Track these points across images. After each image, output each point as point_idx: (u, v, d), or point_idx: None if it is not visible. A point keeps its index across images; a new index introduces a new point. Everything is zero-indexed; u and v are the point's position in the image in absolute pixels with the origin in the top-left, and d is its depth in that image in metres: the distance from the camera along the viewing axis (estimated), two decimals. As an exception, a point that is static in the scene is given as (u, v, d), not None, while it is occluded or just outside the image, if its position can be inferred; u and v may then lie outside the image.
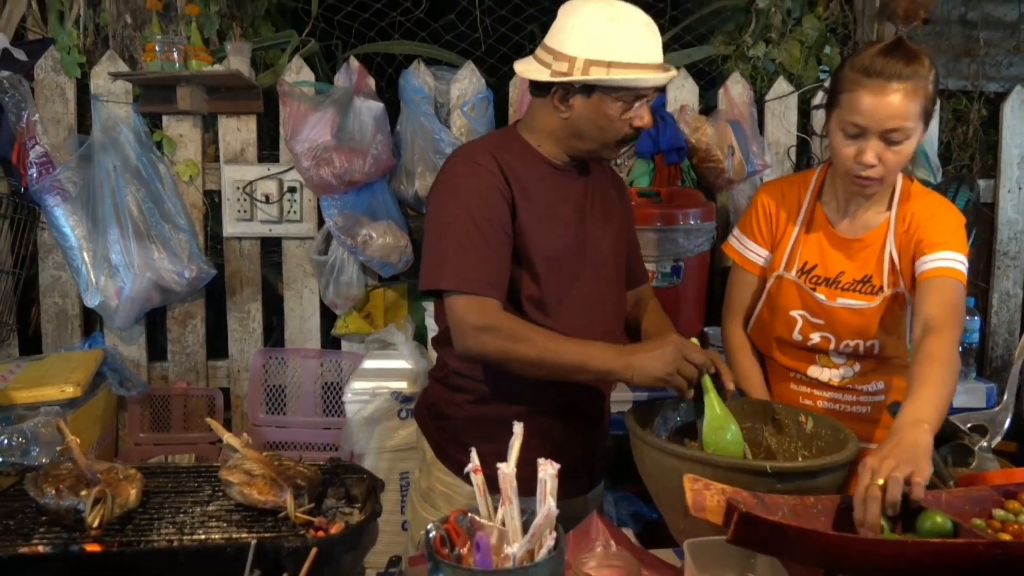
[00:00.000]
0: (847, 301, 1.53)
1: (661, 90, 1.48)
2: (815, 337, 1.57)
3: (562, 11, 1.41)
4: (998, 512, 1.11)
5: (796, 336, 1.58)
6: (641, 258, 1.73)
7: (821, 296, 1.55)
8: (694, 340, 1.41)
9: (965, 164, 2.88)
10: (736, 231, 1.68)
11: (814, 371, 1.61)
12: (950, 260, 1.44)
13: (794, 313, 1.57)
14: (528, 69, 1.41)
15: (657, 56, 1.37)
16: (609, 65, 1.34)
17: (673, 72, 1.40)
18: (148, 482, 1.20)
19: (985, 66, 2.90)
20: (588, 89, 1.36)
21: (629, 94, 1.36)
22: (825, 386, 1.61)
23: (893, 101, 1.34)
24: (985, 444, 1.46)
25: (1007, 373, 2.89)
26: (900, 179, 1.54)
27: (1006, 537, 1.05)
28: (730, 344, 1.70)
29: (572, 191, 1.50)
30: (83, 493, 1.07)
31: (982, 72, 2.90)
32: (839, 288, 1.54)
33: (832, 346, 1.57)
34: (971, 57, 2.86)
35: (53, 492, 1.08)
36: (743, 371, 1.65)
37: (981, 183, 2.82)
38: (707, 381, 1.35)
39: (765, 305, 1.62)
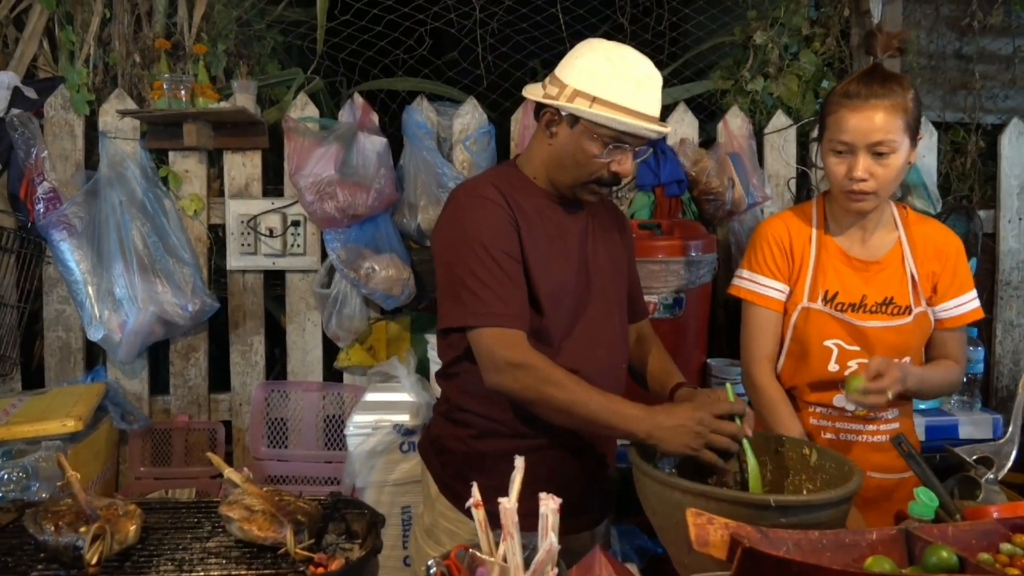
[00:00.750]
0: (878, 323, 1.55)
1: (651, 146, 1.46)
2: (853, 364, 1.57)
3: (577, 46, 1.45)
4: (1005, 546, 1.09)
5: (832, 367, 1.57)
6: (642, 293, 1.73)
7: (853, 320, 1.55)
8: (728, 388, 1.37)
9: (964, 195, 2.90)
10: (744, 272, 1.64)
11: (839, 400, 1.60)
12: (969, 303, 1.61)
13: (828, 343, 1.56)
14: (530, 89, 1.46)
15: (649, 108, 1.37)
16: (593, 100, 1.35)
17: (663, 128, 1.39)
18: (148, 518, 1.20)
19: (981, 99, 2.94)
20: (573, 120, 1.39)
21: (608, 135, 1.37)
22: (850, 417, 1.61)
23: (874, 116, 1.43)
24: (992, 476, 1.45)
25: (1012, 403, 2.88)
26: (894, 206, 1.61)
27: (1014, 572, 1.03)
28: (768, 396, 1.61)
29: (573, 225, 1.51)
30: (82, 530, 1.06)
31: (979, 104, 2.93)
32: (866, 311, 1.56)
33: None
34: (968, 90, 2.90)
35: (52, 529, 1.07)
36: (786, 426, 1.56)
37: (981, 213, 2.84)
38: (746, 444, 1.31)
39: (793, 341, 1.59)
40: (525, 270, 1.41)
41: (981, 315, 1.64)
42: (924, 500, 1.22)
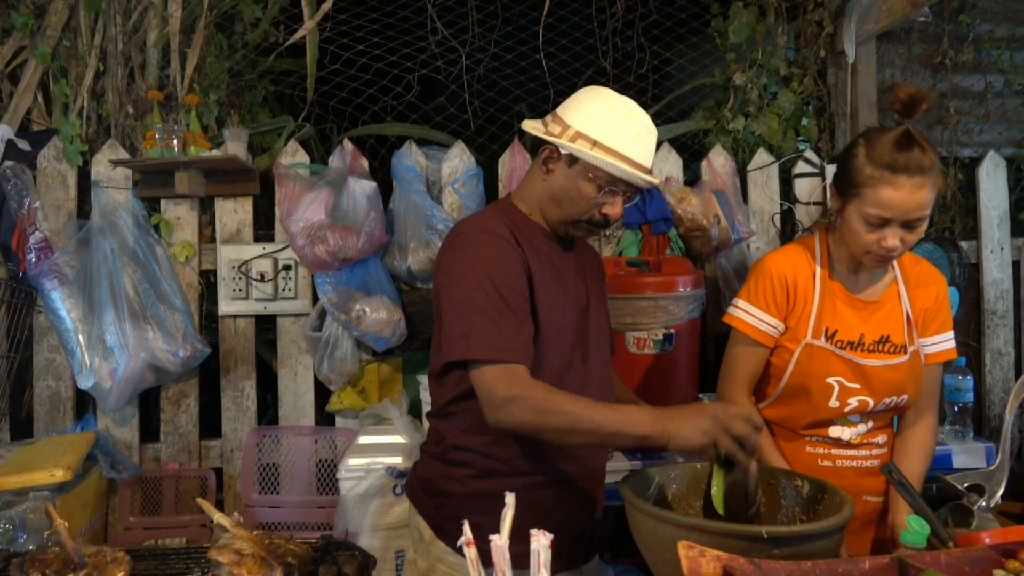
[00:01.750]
0: (877, 361, 1.57)
1: (639, 193, 1.50)
2: (853, 402, 1.59)
3: (582, 90, 1.50)
4: (998, 572, 1.09)
5: (833, 403, 1.58)
6: (611, 330, 1.75)
7: (854, 358, 1.57)
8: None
9: (947, 227, 2.95)
10: (741, 302, 1.66)
11: (835, 431, 1.62)
12: (949, 341, 1.65)
13: (831, 380, 1.58)
14: (530, 124, 1.50)
15: (644, 159, 1.42)
16: (595, 144, 1.40)
17: (654, 180, 1.45)
18: (136, 565, 1.18)
19: (957, 133, 3.02)
20: (572, 160, 1.43)
21: (604, 179, 1.41)
22: (845, 444, 1.63)
23: (917, 195, 1.42)
24: (984, 504, 1.45)
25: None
26: None
27: (1007, 598, 1.03)
28: None
29: (569, 263, 1.54)
30: (69, 577, 1.05)
31: (955, 139, 3.01)
32: (864, 350, 1.58)
33: (870, 407, 1.59)
34: (943, 125, 2.98)
35: (39, 577, 1.06)
36: (765, 451, 1.59)
37: (964, 244, 2.88)
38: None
39: (794, 376, 1.60)
40: (532, 307, 1.42)
41: (955, 355, 1.69)
42: (916, 528, 1.22)
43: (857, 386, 1.57)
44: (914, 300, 1.63)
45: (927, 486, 1.67)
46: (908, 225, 1.45)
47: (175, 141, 2.42)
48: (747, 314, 1.64)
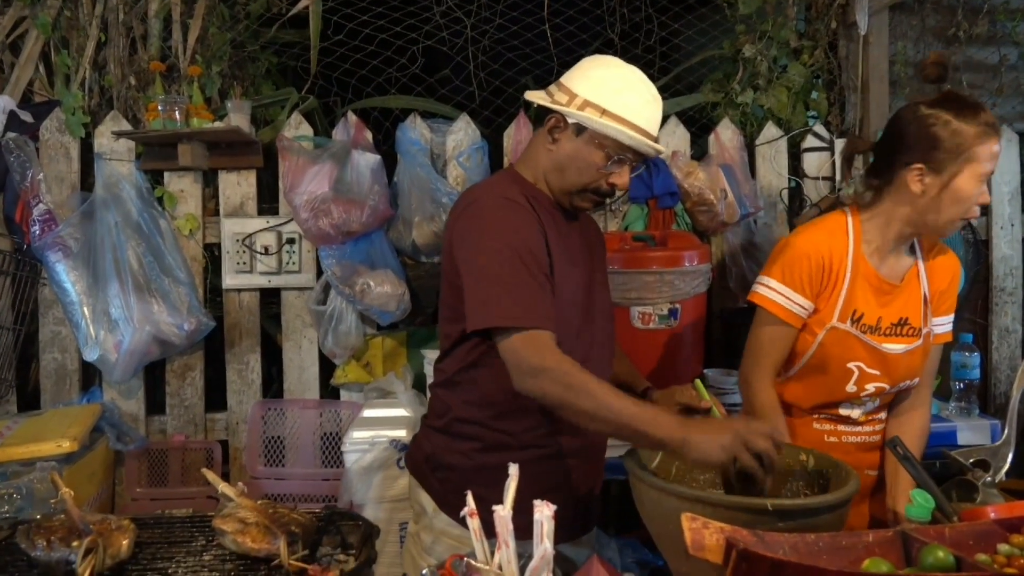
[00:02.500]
0: (893, 346, 1.56)
1: (644, 163, 1.48)
2: (870, 387, 1.57)
3: (586, 59, 1.48)
4: (1002, 547, 1.09)
5: (850, 388, 1.57)
6: (612, 304, 1.73)
7: (874, 343, 1.55)
8: (697, 385, 1.41)
9: (956, 203, 2.91)
10: (773, 282, 1.57)
11: (845, 409, 1.61)
12: (949, 324, 1.65)
13: (851, 365, 1.55)
14: (534, 94, 1.48)
15: (652, 127, 1.41)
16: (604, 112, 1.38)
17: (661, 148, 1.43)
18: (141, 533, 1.19)
19: (970, 107, 2.96)
20: (579, 129, 1.41)
21: (613, 147, 1.39)
22: (852, 422, 1.62)
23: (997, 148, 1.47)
24: (989, 479, 1.45)
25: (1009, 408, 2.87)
26: None
27: (1011, 572, 1.02)
28: (763, 401, 1.60)
29: (574, 234, 1.53)
30: (74, 544, 1.05)
31: (967, 113, 2.96)
32: (881, 334, 1.56)
33: (885, 392, 1.59)
34: (956, 99, 2.93)
35: (44, 544, 1.06)
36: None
37: (973, 220, 2.85)
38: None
39: (814, 358, 1.57)
40: (550, 275, 1.41)
41: (950, 338, 1.68)
42: (920, 502, 1.22)
43: (877, 372, 1.56)
44: (932, 281, 1.61)
45: (931, 462, 1.67)
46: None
47: (177, 113, 2.41)
48: (779, 295, 1.56)
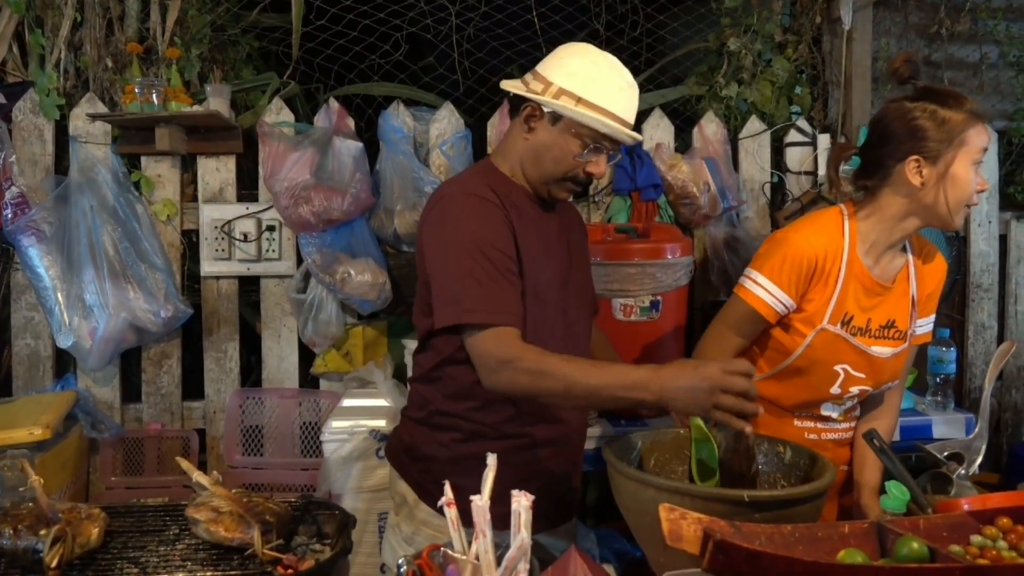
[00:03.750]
0: (880, 349, 1.55)
1: (621, 151, 1.47)
2: (854, 390, 1.58)
3: (561, 47, 1.47)
4: (975, 538, 1.10)
5: (835, 390, 1.57)
6: (594, 290, 1.73)
7: (863, 346, 1.54)
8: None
9: (935, 199, 2.94)
10: (760, 277, 1.54)
11: (826, 409, 1.62)
12: (930, 324, 1.67)
13: (838, 368, 1.55)
14: (510, 83, 1.47)
15: (628, 115, 1.40)
16: (579, 100, 1.37)
17: (639, 136, 1.42)
18: (112, 522, 1.17)
19: (950, 105, 2.99)
20: (555, 118, 1.40)
21: (589, 136, 1.39)
22: (832, 420, 1.63)
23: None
24: (963, 472, 1.46)
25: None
26: None
27: (984, 563, 1.04)
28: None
29: (552, 224, 1.52)
30: (42, 532, 1.03)
31: (948, 110, 2.98)
32: (870, 336, 1.55)
33: (868, 394, 1.60)
34: (936, 96, 2.95)
35: (11, 532, 1.04)
36: None
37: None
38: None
39: (802, 359, 1.55)
40: (518, 269, 1.40)
41: (930, 339, 1.70)
42: (896, 494, 1.23)
43: (862, 375, 1.55)
44: (921, 284, 1.61)
45: (906, 455, 1.69)
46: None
47: (155, 96, 2.36)
48: (764, 290, 1.53)
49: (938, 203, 1.47)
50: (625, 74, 1.42)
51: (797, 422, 1.63)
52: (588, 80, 1.38)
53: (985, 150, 1.46)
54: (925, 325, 1.65)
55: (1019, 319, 2.99)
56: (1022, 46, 2.96)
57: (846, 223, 1.54)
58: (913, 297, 1.59)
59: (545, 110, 1.40)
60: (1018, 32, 2.98)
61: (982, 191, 1.48)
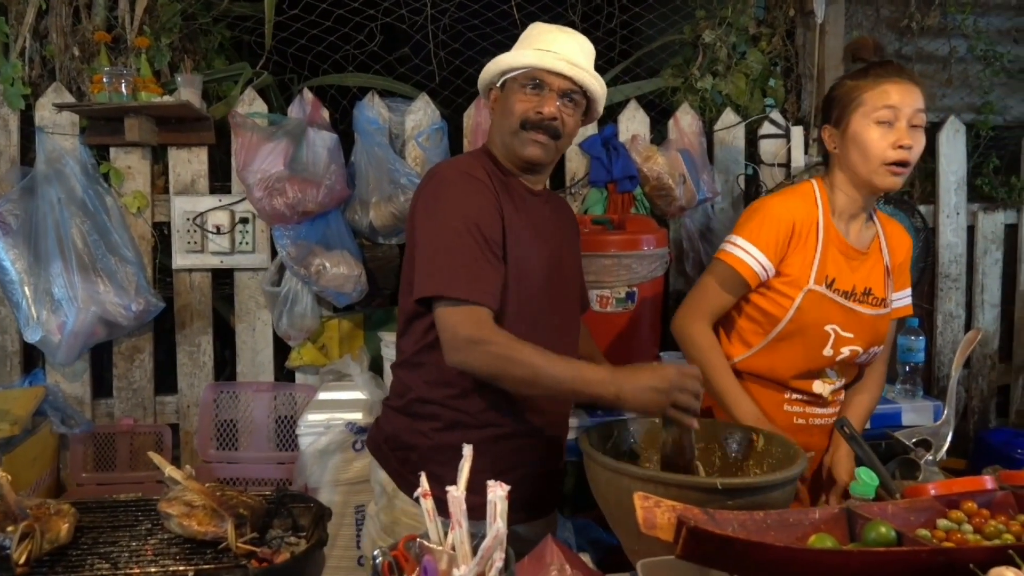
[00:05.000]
0: (869, 310, 1.60)
1: (575, 91, 1.46)
2: (845, 351, 1.60)
3: None
4: (942, 522, 1.12)
5: (827, 351, 1.58)
6: (585, 285, 1.74)
7: (849, 305, 1.58)
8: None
9: (906, 191, 2.99)
10: (739, 239, 1.58)
11: (818, 386, 1.64)
12: (908, 298, 1.71)
13: (828, 327, 1.57)
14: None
15: (564, 51, 1.43)
16: (506, 55, 1.46)
17: (575, 62, 1.42)
18: (83, 518, 1.15)
19: (920, 97, 3.03)
20: (503, 84, 1.48)
21: (526, 77, 1.43)
22: (821, 403, 1.65)
23: (915, 90, 1.50)
24: (931, 458, 1.49)
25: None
26: None
27: (950, 546, 1.06)
28: (701, 342, 1.61)
29: (544, 214, 1.53)
30: (9, 529, 1.01)
31: (917, 103, 3.03)
32: (855, 300, 1.59)
33: (858, 357, 1.62)
34: (907, 89, 2.99)
35: (-23, 529, 1.02)
36: (720, 370, 1.58)
37: (922, 208, 2.93)
38: None
39: (793, 322, 1.57)
40: (504, 255, 1.41)
41: (912, 312, 1.74)
42: (865, 479, 1.25)
43: (851, 335, 1.59)
44: (892, 253, 1.67)
45: (876, 442, 1.72)
46: (913, 126, 1.49)
47: (124, 85, 2.31)
48: (743, 251, 1.57)
49: (854, 165, 1.55)
50: (566, 29, 1.48)
51: (787, 406, 1.65)
52: (523, 38, 1.48)
53: (891, 107, 1.48)
54: (903, 298, 1.71)
55: (986, 308, 3.06)
56: (989, 40, 3.02)
57: (817, 192, 1.61)
58: (887, 266, 1.65)
59: (497, 84, 1.49)
60: (986, 26, 3.03)
61: (902, 147, 1.49)
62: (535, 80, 1.43)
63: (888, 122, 1.49)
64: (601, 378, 1.29)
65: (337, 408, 2.24)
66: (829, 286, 1.57)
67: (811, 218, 1.58)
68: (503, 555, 0.93)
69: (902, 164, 1.50)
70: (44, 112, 2.48)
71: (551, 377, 1.29)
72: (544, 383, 1.29)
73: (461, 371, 1.35)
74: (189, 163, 2.56)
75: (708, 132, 2.79)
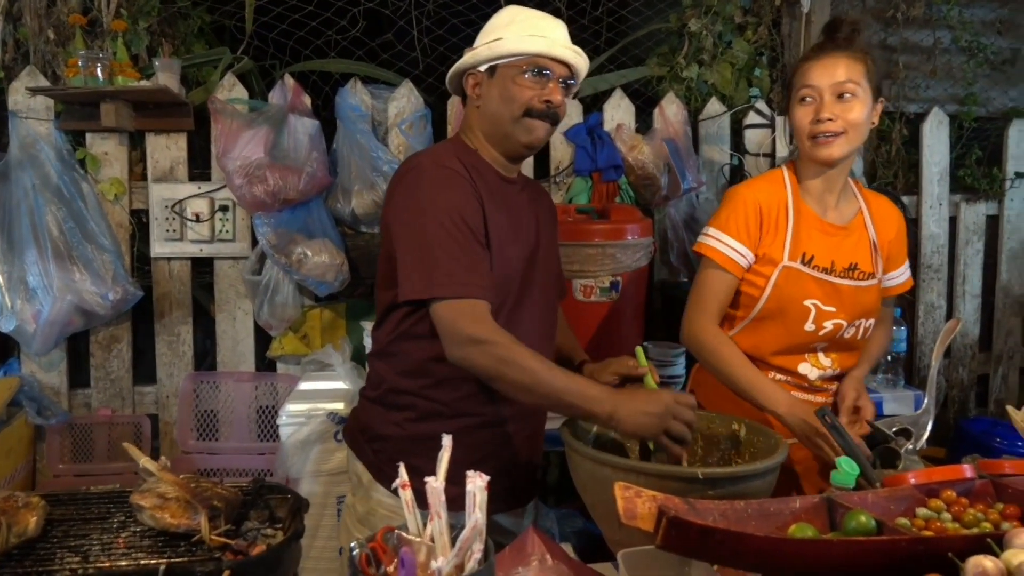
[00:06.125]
0: (849, 282, 1.60)
1: (571, 77, 1.46)
2: (828, 325, 1.60)
3: None
4: (921, 511, 1.12)
5: (809, 326, 1.59)
6: (563, 274, 1.73)
7: (829, 278, 1.59)
8: (638, 352, 1.43)
9: (889, 181, 3.00)
10: (712, 230, 1.62)
11: (804, 368, 1.63)
12: (906, 273, 1.74)
13: (808, 302, 1.58)
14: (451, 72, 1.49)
15: (555, 36, 1.41)
16: (500, 40, 1.40)
17: (577, 49, 1.42)
18: (54, 510, 1.13)
19: (905, 88, 3.05)
20: (492, 70, 1.42)
21: (526, 63, 1.39)
22: (808, 387, 1.64)
23: (837, 63, 1.52)
24: (911, 447, 1.50)
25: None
26: (851, 180, 1.69)
27: (929, 534, 1.06)
28: (711, 342, 1.60)
29: (521, 203, 1.51)
30: (-25, 522, 0.99)
31: (902, 94, 3.04)
32: (836, 275, 1.60)
33: (843, 330, 1.61)
34: (891, 80, 3.00)
35: (-58, 522, 1.00)
36: (738, 364, 1.57)
37: (905, 199, 2.94)
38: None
39: (770, 300, 1.59)
40: (486, 245, 1.39)
41: (911, 284, 1.76)
42: (846, 469, 1.25)
43: (833, 309, 1.59)
44: (879, 231, 1.67)
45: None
46: (839, 96, 1.52)
47: (100, 69, 2.26)
48: (717, 241, 1.61)
49: (798, 144, 1.60)
50: (545, 15, 1.45)
51: None
52: (507, 23, 1.42)
53: (809, 86, 1.53)
54: (901, 275, 1.72)
55: (967, 299, 3.08)
56: (974, 31, 3.02)
57: (786, 176, 1.65)
58: (873, 242, 1.65)
59: (481, 70, 1.43)
60: (970, 17, 3.04)
61: (820, 120, 1.52)
62: (538, 68, 1.39)
63: (812, 99, 1.54)
64: (598, 396, 1.27)
65: (319, 398, 2.22)
66: (807, 263, 1.59)
67: (778, 199, 1.61)
68: (482, 546, 0.92)
69: (827, 134, 1.53)
70: (18, 96, 2.43)
71: (549, 386, 1.27)
72: (541, 391, 1.28)
73: (437, 360, 1.34)
74: (168, 149, 2.52)
75: (693, 122, 2.78)
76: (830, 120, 1.51)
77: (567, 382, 1.28)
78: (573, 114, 2.67)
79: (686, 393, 1.33)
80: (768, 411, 1.53)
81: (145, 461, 1.20)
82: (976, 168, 3.04)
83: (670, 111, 2.72)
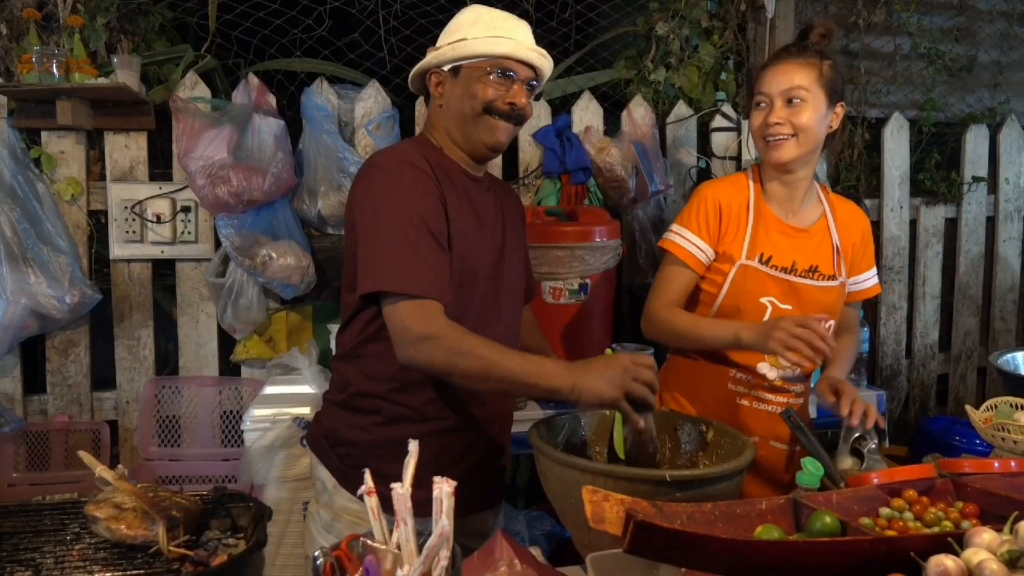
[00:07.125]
0: (809, 281, 1.63)
1: (536, 79, 1.45)
2: None
3: None
4: (884, 510, 1.14)
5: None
6: (532, 274, 1.73)
7: (788, 277, 1.61)
8: (608, 353, 1.41)
9: (852, 184, 3.05)
10: (676, 227, 1.67)
11: (763, 367, 1.64)
12: (873, 278, 1.76)
13: (764, 300, 1.61)
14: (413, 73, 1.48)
15: (520, 37, 1.41)
16: (464, 40, 1.39)
17: (542, 52, 1.42)
18: (4, 523, 1.09)
19: (867, 93, 3.10)
20: (455, 70, 1.41)
21: (490, 64, 1.38)
22: (767, 387, 1.65)
23: (788, 70, 1.57)
24: (874, 446, 1.52)
25: (896, 381, 3.07)
26: (816, 184, 1.72)
27: (891, 534, 1.07)
28: (665, 315, 1.63)
29: (486, 202, 1.50)
30: (-83, 537, 0.95)
31: (864, 99, 3.10)
32: (796, 275, 1.62)
33: None
34: (854, 85, 3.06)
35: None
36: (687, 319, 1.61)
37: (867, 202, 3.00)
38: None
39: (728, 297, 1.62)
40: (448, 244, 1.37)
41: (879, 290, 1.79)
42: (810, 469, 1.26)
43: (789, 307, 1.61)
44: (843, 235, 1.69)
45: (822, 431, 1.74)
46: (789, 101, 1.56)
47: (55, 66, 2.20)
48: (680, 237, 1.65)
49: (757, 148, 1.65)
50: (509, 15, 1.44)
51: (731, 384, 1.66)
52: (468, 23, 1.41)
53: (762, 94, 1.59)
54: (867, 279, 1.75)
55: (927, 300, 3.15)
56: (932, 39, 3.09)
57: (750, 178, 1.69)
58: (836, 246, 1.68)
59: (445, 69, 1.41)
60: (929, 25, 3.11)
61: (770, 124, 1.57)
62: (503, 69, 1.39)
63: (764, 104, 1.60)
64: (555, 371, 1.26)
65: (284, 403, 2.18)
66: (765, 262, 1.62)
67: (740, 199, 1.66)
68: (449, 553, 0.91)
69: (775, 136, 1.58)
70: (-31, 93, 2.35)
71: (504, 370, 1.25)
72: (497, 376, 1.26)
73: (404, 365, 1.32)
74: (127, 149, 2.46)
75: (661, 124, 2.80)
76: (778, 124, 1.56)
77: (522, 363, 1.27)
78: (542, 116, 2.67)
79: (644, 355, 1.31)
80: (732, 344, 1.56)
81: (101, 470, 1.16)
82: (935, 172, 3.11)
83: (638, 114, 2.73)
